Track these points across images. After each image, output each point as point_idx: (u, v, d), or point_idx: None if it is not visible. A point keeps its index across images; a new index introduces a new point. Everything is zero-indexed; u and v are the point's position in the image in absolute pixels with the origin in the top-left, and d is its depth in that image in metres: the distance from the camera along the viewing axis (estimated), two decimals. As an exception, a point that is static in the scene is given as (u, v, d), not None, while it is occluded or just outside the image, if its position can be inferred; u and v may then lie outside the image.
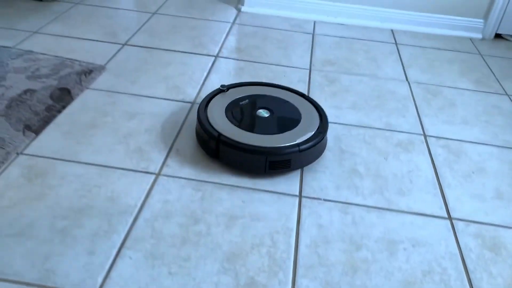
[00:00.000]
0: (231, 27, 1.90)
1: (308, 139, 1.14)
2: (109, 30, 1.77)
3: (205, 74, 1.54)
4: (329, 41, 1.86)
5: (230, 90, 1.32)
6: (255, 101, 1.28)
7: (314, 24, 2.01)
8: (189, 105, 1.37)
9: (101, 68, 1.48)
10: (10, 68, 1.42)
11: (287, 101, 1.29)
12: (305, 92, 1.48)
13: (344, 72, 1.63)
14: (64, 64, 1.47)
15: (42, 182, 1.04)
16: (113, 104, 1.33)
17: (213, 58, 1.65)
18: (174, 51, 1.66)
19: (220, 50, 1.70)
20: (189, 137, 1.23)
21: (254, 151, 1.09)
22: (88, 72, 1.44)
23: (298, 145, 1.12)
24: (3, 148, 1.10)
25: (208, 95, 1.29)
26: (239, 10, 2.07)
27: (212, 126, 1.15)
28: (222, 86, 1.31)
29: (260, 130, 1.16)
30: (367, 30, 2.00)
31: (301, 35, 1.89)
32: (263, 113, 1.23)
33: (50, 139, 1.17)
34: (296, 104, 1.28)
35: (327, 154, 1.21)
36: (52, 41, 1.64)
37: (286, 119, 1.22)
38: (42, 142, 1.16)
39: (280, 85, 1.37)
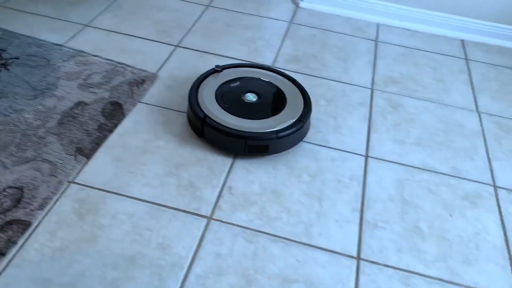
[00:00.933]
0: (288, 28, 1.78)
1: (287, 126, 1.21)
2: (160, 27, 1.68)
3: (259, 88, 1.46)
4: (393, 51, 1.72)
5: (224, 71, 1.38)
6: (245, 85, 1.34)
7: (378, 28, 1.86)
8: (242, 128, 1.30)
9: (153, 77, 1.42)
10: (62, 73, 1.37)
11: (277, 86, 1.35)
12: (366, 120, 1.39)
13: (408, 95, 1.51)
14: (115, 71, 1.41)
15: (93, 220, 1.01)
16: (165, 125, 1.27)
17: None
18: (228, 57, 1.57)
19: (275, 59, 1.60)
20: (241, 171, 1.17)
21: (235, 135, 1.18)
22: (140, 82, 1.38)
23: (276, 132, 1.19)
24: (55, 176, 1.07)
25: (202, 74, 1.36)
26: (297, 5, 1.94)
27: (199, 107, 1.23)
28: (217, 66, 1.37)
29: (244, 114, 1.24)
30: (435, 39, 1.83)
31: (363, 42, 1.76)
32: (251, 97, 1.29)
33: (101, 165, 1.14)
34: (285, 90, 1.34)
35: (389, 205, 1.14)
36: (103, 37, 1.57)
37: (271, 104, 1.29)
38: (93, 169, 1.12)
39: (273, 69, 1.42)
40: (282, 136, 1.19)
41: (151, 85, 1.39)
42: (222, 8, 1.85)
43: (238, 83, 1.33)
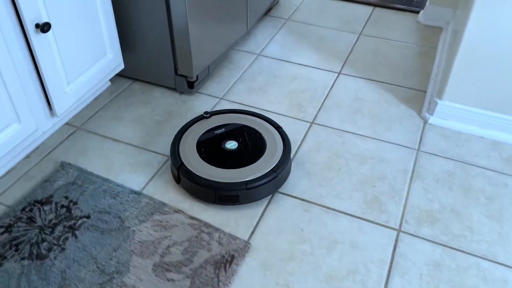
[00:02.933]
0: (416, 160, 1.39)
1: (258, 177, 1.21)
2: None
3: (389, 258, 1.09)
4: None
5: (213, 117, 1.41)
6: (228, 132, 1.36)
7: (538, 159, 1.41)
8: None
9: (244, 249, 1.11)
10: (136, 244, 1.12)
11: (259, 134, 1.35)
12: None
13: None
14: (200, 239, 1.13)
15: None
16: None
17: (395, 233, 1.18)
18: (350, 215, 1.23)
19: (403, 216, 1.23)
20: None
21: (205, 185, 1.21)
22: (228, 261, 1.08)
23: (246, 183, 1.20)
24: None
25: (190, 120, 1.40)
26: (425, 121, 1.54)
27: (178, 155, 1.28)
28: (205, 112, 1.41)
29: (220, 163, 1.26)
30: None
31: (521, 184, 1.32)
32: (231, 145, 1.30)
33: None
34: (266, 137, 1.34)
35: None
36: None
37: (249, 153, 1.29)
38: None
39: (260, 115, 1.43)
40: (252, 187, 1.20)
41: (240, 263, 1.09)
42: (327, 127, 1.52)
43: (222, 130, 1.36)
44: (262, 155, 1.28)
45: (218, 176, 1.22)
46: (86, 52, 1.36)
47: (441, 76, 1.56)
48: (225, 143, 1.31)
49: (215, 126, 1.37)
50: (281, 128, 1.38)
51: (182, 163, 1.25)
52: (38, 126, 1.26)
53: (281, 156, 1.27)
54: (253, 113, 1.44)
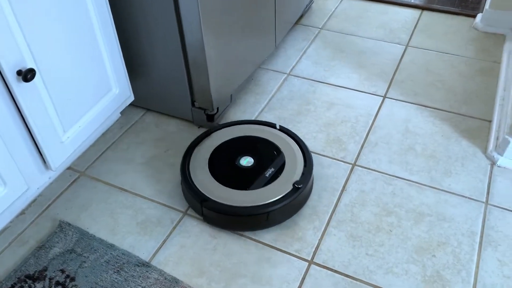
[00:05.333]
0: (484, 220, 1.12)
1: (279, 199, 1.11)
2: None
3: None
4: None
5: (224, 129, 1.31)
6: (243, 145, 1.26)
7: None
8: None
9: None
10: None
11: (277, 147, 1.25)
12: None
13: None
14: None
15: None
16: None
17: (464, 326, 0.94)
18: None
19: (474, 303, 0.98)
20: None
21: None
22: None
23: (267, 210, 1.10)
24: None
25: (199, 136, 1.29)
26: (493, 163, 1.27)
27: (189, 175, 1.18)
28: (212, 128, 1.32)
29: (240, 184, 1.15)
30: None
31: None
32: (246, 161, 1.20)
33: None
34: (285, 152, 1.23)
35: None
36: (205, 256, 1.11)
37: (266, 170, 1.19)
38: None
39: (268, 123, 1.33)
40: (272, 211, 1.10)
41: None
42: (372, 170, 1.27)
43: (236, 143, 1.26)
44: (282, 171, 1.18)
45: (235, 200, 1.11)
46: (85, 93, 1.14)
47: (513, 107, 1.28)
48: (239, 159, 1.21)
49: (228, 139, 1.27)
50: (302, 141, 1.26)
51: (206, 198, 1.12)
52: (29, 185, 1.06)
53: (302, 171, 1.19)
54: (269, 123, 1.32)
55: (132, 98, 1.34)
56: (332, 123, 1.42)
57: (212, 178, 1.16)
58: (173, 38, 1.22)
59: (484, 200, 1.17)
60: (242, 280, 1.03)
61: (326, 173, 1.26)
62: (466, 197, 1.18)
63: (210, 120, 1.39)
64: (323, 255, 1.07)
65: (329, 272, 1.04)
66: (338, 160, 1.30)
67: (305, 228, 1.13)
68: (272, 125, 1.32)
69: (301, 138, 1.28)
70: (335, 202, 1.19)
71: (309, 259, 1.07)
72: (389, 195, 1.20)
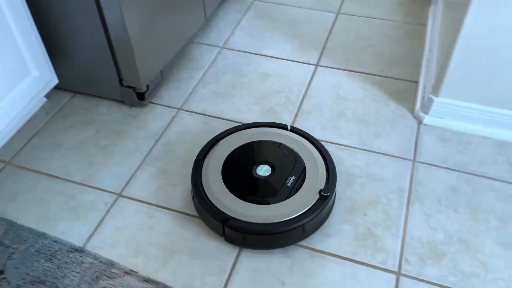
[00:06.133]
0: (411, 177, 1.17)
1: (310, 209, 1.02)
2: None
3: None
4: None
5: (239, 132, 1.20)
6: (258, 152, 1.15)
7: (553, 161, 1.21)
8: None
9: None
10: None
11: (296, 154, 1.14)
12: None
13: None
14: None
15: None
16: None
17: (395, 278, 0.98)
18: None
19: (402, 255, 1.02)
20: None
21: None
22: None
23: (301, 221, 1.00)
24: None
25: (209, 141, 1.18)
26: (419, 122, 1.32)
27: (214, 205, 1.04)
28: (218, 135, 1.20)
29: (262, 197, 1.04)
30: None
31: (536, 197, 1.12)
32: (263, 171, 1.09)
33: None
34: (305, 159, 1.12)
35: None
36: (143, 219, 1.09)
37: (286, 179, 1.08)
38: None
39: (277, 124, 1.22)
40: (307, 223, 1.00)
41: None
42: (309, 137, 1.28)
43: (247, 150, 1.15)
44: (303, 182, 1.08)
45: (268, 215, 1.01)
46: None
47: (436, 67, 1.33)
48: (255, 168, 1.10)
49: (240, 146, 1.15)
50: (324, 148, 1.15)
51: (229, 218, 1.00)
52: None
53: (326, 182, 1.07)
54: (286, 126, 1.21)
55: (56, 81, 1.28)
56: (267, 94, 1.42)
57: (230, 193, 1.05)
58: (92, 16, 1.17)
59: (412, 158, 1.22)
60: (179, 256, 1.03)
61: (261, 144, 1.26)
62: (395, 156, 1.23)
63: (141, 99, 1.36)
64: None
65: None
66: (273, 130, 1.31)
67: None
68: (282, 126, 1.21)
69: (236, 111, 1.27)
70: (270, 171, 1.20)
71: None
72: (322, 160, 1.22)
